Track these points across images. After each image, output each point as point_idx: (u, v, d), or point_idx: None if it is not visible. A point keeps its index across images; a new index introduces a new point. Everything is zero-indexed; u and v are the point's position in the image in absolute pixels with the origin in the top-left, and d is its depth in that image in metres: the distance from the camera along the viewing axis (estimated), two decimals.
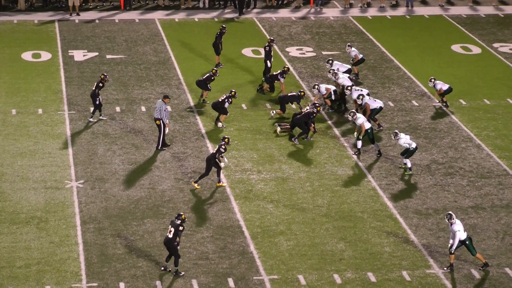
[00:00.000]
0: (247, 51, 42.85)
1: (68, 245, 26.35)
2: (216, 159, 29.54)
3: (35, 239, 26.57)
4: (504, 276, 25.47)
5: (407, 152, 30.58)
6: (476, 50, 43.70)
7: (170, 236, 24.46)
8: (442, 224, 28.02)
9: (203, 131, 33.99)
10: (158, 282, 24.73)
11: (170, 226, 24.68)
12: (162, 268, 24.89)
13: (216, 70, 36.42)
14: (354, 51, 38.61)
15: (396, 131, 30.89)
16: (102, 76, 34.40)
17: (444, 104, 36.26)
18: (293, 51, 42.86)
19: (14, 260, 25.47)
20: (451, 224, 25.16)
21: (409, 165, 30.65)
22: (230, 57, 41.96)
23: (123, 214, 28.17)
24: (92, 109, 34.35)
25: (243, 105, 36.17)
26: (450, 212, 25.58)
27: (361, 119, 31.93)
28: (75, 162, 31.33)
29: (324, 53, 42.40)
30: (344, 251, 26.23)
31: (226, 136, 30.36)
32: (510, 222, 28.24)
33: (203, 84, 36.11)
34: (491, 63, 42.07)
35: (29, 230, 27.01)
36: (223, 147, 29.55)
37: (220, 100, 34.09)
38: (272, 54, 38.68)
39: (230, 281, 24.86)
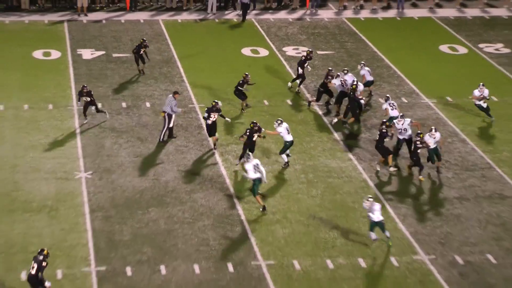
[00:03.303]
0: (246, 51, 42.97)
1: (77, 232, 26.61)
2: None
3: (46, 226, 26.85)
4: (486, 261, 25.79)
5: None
6: (462, 50, 43.86)
7: (33, 272, 22.61)
8: (428, 214, 28.34)
9: (204, 125, 34.06)
10: (162, 266, 24.97)
11: (33, 262, 22.76)
12: None
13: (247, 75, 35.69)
14: (363, 71, 37.05)
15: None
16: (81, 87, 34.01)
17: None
18: (290, 50, 42.99)
19: (27, 245, 25.72)
20: (370, 205, 26.03)
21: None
22: (231, 56, 42.12)
23: (129, 203, 28.42)
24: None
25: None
26: (370, 195, 26.79)
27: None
28: (84, 155, 31.53)
29: (319, 52, 42.45)
30: (336, 239, 26.55)
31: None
32: (492, 212, 28.54)
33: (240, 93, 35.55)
34: (477, 62, 42.23)
35: (41, 218, 27.28)
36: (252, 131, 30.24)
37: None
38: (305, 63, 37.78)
39: (230, 266, 25.13)
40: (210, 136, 32.24)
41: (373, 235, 26.07)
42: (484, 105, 34.99)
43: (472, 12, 49.72)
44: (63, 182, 29.57)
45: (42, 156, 31.37)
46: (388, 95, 34.26)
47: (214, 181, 29.94)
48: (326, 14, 49.07)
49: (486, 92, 34.87)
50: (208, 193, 29.21)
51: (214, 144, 32.22)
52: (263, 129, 30.61)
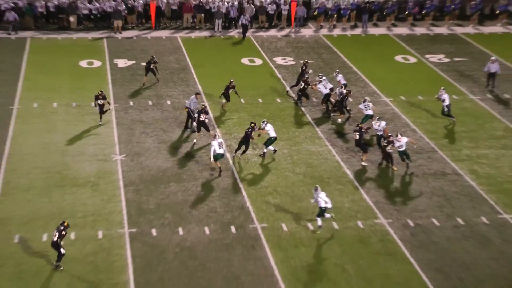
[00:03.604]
0: (245, 60, 42.76)
1: (114, 202, 26.61)
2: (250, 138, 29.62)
3: (89, 197, 26.84)
4: (431, 224, 25.91)
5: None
6: (413, 60, 43.67)
7: (55, 239, 22.49)
8: (387, 187, 28.29)
9: (213, 118, 33.96)
10: (180, 229, 25.04)
11: (55, 231, 22.67)
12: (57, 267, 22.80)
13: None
14: (338, 77, 36.52)
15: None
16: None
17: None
18: (279, 60, 42.82)
19: (74, 213, 25.76)
20: (316, 194, 25.17)
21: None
22: (232, 64, 41.93)
23: (154, 179, 28.34)
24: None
25: (242, 100, 36.15)
26: (317, 185, 25.82)
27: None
28: (119, 141, 31.41)
29: (301, 62, 42.13)
30: (315, 207, 26.26)
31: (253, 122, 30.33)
32: (436, 186, 28.51)
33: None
34: (424, 69, 42.05)
35: (85, 191, 27.26)
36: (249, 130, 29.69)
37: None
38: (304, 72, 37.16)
39: (232, 228, 25.18)
40: (198, 131, 31.41)
41: (319, 221, 25.27)
42: (445, 108, 34.01)
43: (420, 30, 49.58)
44: (102, 163, 29.49)
45: (86, 142, 31.27)
46: (366, 98, 34.28)
47: (221, 162, 29.70)
48: (307, 32, 48.92)
49: (444, 96, 34.11)
50: (215, 171, 29.11)
51: (211, 137, 31.45)
52: (257, 128, 30.29)
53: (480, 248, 24.50)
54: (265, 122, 30.43)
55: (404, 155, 29.47)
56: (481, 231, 25.46)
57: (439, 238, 24.99)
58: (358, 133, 29.80)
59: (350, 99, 35.42)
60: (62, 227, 22.58)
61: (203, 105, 32.18)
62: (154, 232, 24.78)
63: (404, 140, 29.39)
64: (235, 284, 22.35)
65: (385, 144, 29.51)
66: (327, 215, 25.27)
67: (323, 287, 22.34)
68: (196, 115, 31.41)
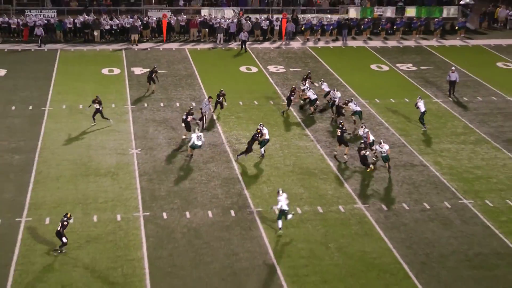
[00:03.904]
0: (243, 68, 42.45)
1: (130, 189, 26.31)
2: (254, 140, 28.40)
3: (110, 185, 26.56)
4: (402, 208, 25.65)
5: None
6: (385, 68, 43.38)
7: (58, 228, 21.82)
8: (364, 177, 27.98)
9: (215, 117, 33.76)
10: (187, 212, 24.75)
11: (60, 222, 21.95)
12: (57, 251, 22.01)
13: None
14: (323, 85, 35.78)
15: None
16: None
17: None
18: (272, 68, 42.51)
19: (97, 198, 25.50)
20: (278, 196, 23.51)
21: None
22: (231, 72, 41.63)
23: (165, 170, 28.04)
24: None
25: (240, 102, 35.91)
26: (280, 188, 24.17)
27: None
28: (135, 137, 31.09)
29: (291, 69, 42.08)
30: (303, 193, 26.31)
31: (259, 127, 29.20)
32: (406, 175, 28.24)
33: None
34: (395, 76, 41.79)
35: (106, 180, 26.97)
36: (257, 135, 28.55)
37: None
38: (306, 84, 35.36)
39: (232, 212, 24.90)
40: (187, 130, 30.61)
41: (280, 223, 23.35)
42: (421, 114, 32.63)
43: (391, 43, 49.35)
44: (121, 156, 29.19)
45: (107, 138, 30.97)
46: (352, 98, 34.21)
47: (222, 155, 29.56)
48: (295, 44, 48.64)
49: (419, 104, 32.71)
50: (218, 163, 28.82)
51: (185, 136, 30.71)
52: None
53: (443, 228, 24.27)
54: (262, 125, 29.71)
55: (385, 159, 28.57)
56: (444, 214, 25.22)
57: (409, 220, 24.73)
58: (340, 130, 29.49)
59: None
60: (65, 218, 21.88)
61: (190, 108, 31.48)
62: (165, 215, 24.50)
63: (386, 147, 28.26)
64: (234, 260, 22.09)
65: (361, 147, 28.49)
66: (289, 216, 23.57)
67: (310, 262, 22.08)
68: (184, 117, 30.56)
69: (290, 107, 34.87)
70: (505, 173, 28.72)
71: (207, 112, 32.11)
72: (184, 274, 21.26)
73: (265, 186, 26.95)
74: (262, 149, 29.56)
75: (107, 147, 30.00)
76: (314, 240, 23.34)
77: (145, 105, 35.19)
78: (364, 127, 30.50)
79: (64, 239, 21.94)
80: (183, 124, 30.96)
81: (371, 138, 29.49)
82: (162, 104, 35.52)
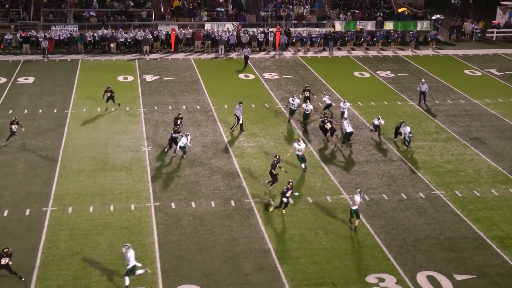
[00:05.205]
0: (241, 75, 42.23)
1: (143, 182, 26.14)
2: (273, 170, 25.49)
3: (125, 179, 26.39)
4: (382, 199, 25.48)
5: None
6: (367, 75, 43.18)
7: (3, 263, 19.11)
8: (348, 170, 27.81)
9: (217, 119, 33.58)
10: (192, 202, 24.61)
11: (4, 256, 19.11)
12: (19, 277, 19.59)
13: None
14: (325, 97, 34.29)
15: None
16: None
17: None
18: (267, 75, 42.30)
19: (113, 190, 25.33)
20: (127, 252, 19.03)
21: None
22: (231, 79, 41.39)
23: (173, 165, 27.87)
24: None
25: None
26: (128, 244, 19.48)
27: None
28: (146, 136, 30.89)
29: (284, 76, 41.88)
30: (295, 186, 26.05)
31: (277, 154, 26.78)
32: (386, 169, 28.10)
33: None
34: (375, 82, 41.58)
35: (121, 174, 26.81)
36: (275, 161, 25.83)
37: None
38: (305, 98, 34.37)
39: (232, 202, 24.74)
40: (169, 146, 29.05)
41: (127, 281, 18.82)
42: (408, 139, 29.90)
43: (372, 53, 49.15)
44: (134, 153, 29.02)
45: (122, 137, 30.81)
46: (344, 99, 34.28)
47: (223, 153, 29.39)
48: (287, 54, 48.42)
49: (405, 130, 29.81)
50: (220, 159, 28.66)
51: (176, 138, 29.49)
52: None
53: (418, 216, 24.15)
54: (299, 140, 27.56)
55: (347, 138, 29.42)
56: (419, 203, 25.10)
57: (388, 209, 24.61)
58: (329, 122, 29.64)
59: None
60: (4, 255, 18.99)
61: (179, 113, 31.00)
62: (173, 205, 24.35)
63: (346, 125, 29.41)
64: (234, 244, 21.96)
65: (321, 124, 29.59)
66: (139, 271, 19.34)
67: (301, 246, 21.96)
68: (174, 121, 29.92)
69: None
70: (472, 167, 28.64)
71: (240, 116, 31.50)
72: (190, 257, 21.15)
73: (261, 179, 26.76)
74: (303, 164, 27.43)
75: (122, 145, 29.84)
76: (305, 226, 23.22)
77: (156, 108, 35.00)
78: (347, 121, 30.07)
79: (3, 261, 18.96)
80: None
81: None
82: (170, 107, 35.30)
